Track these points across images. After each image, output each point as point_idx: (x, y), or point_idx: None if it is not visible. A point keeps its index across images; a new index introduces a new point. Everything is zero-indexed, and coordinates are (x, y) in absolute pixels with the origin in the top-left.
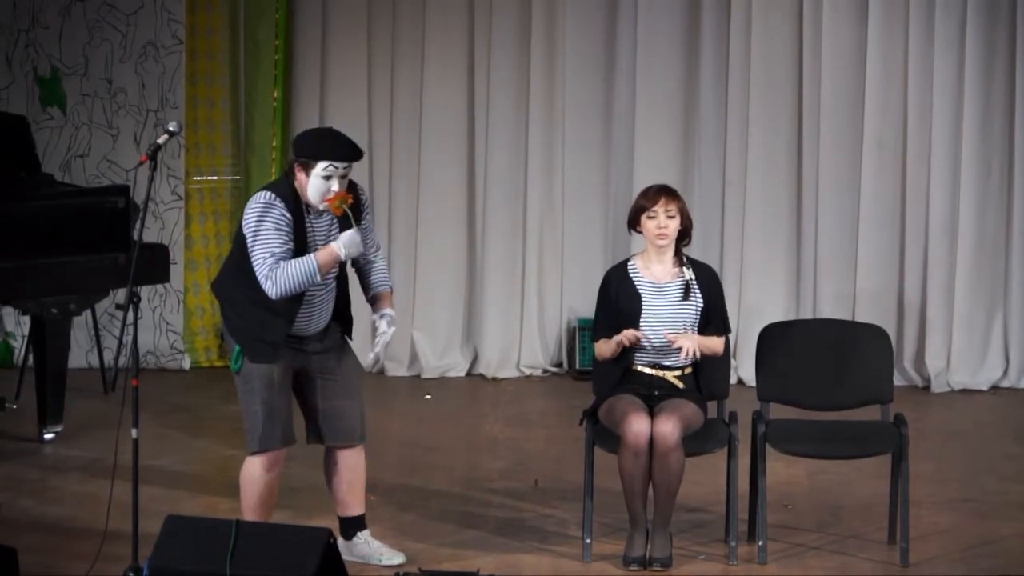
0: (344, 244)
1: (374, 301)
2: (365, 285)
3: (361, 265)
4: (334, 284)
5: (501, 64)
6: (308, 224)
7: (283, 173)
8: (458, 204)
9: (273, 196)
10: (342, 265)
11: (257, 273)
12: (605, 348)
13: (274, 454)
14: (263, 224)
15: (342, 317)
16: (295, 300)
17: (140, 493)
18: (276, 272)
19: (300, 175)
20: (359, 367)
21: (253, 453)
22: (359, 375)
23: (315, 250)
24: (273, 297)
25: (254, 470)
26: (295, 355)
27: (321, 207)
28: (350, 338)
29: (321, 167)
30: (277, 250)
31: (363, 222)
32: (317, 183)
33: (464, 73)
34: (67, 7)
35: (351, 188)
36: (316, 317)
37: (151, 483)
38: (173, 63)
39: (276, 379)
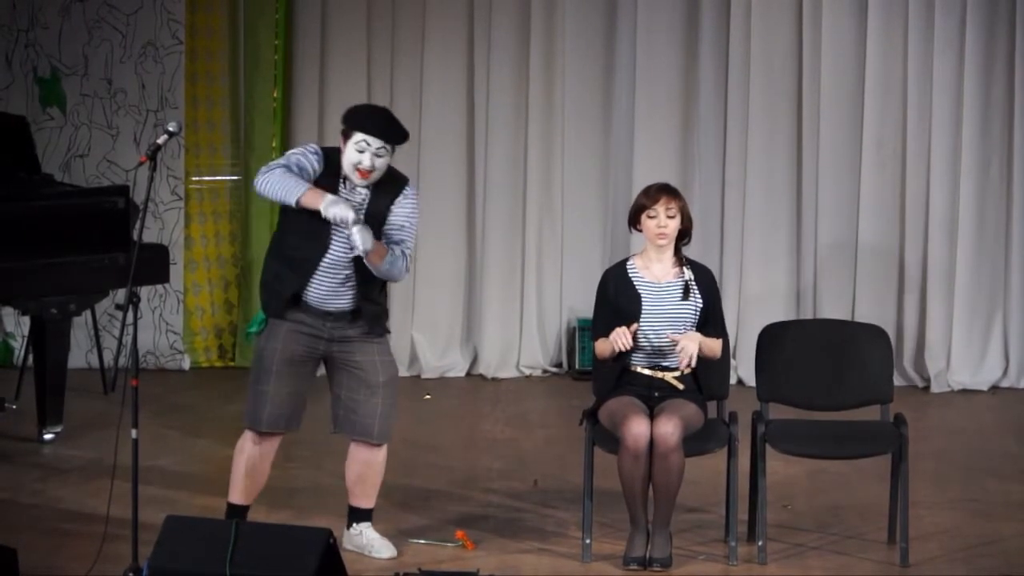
0: (332, 200)
1: None
2: None
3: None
4: (355, 275)
5: (501, 64)
6: (341, 194)
7: None
8: (458, 204)
9: (317, 147)
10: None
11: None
12: (604, 347)
13: (260, 434)
14: (292, 151)
15: (366, 314)
16: (307, 264)
17: (140, 493)
18: (276, 170)
19: (341, 144)
20: (390, 368)
21: (247, 427)
22: (388, 377)
23: (337, 231)
24: (254, 187)
25: (243, 442)
26: (312, 342)
27: None
28: (374, 335)
29: (356, 139)
30: (292, 161)
31: (392, 218)
32: (350, 153)
33: (464, 73)
34: (67, 7)
35: (396, 180)
36: (333, 296)
37: (151, 483)
38: (173, 63)
39: (274, 365)
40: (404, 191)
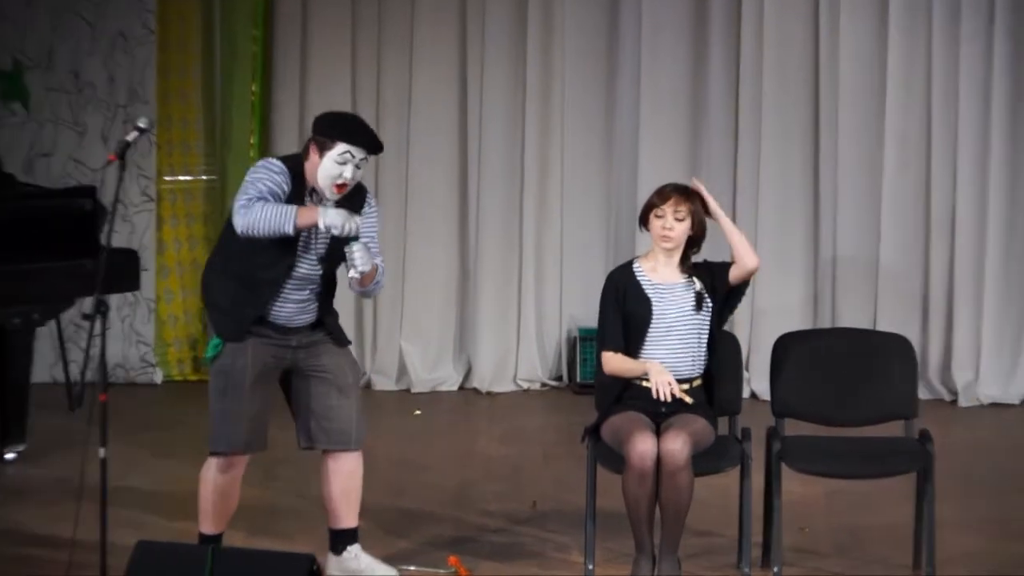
0: (329, 214)
1: None
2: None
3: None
4: (320, 288)
5: (495, 59)
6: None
7: (299, 152)
8: (449, 206)
9: (278, 162)
10: (329, 270)
11: (236, 203)
12: (622, 365)
13: (228, 458)
14: (256, 174)
15: (328, 326)
16: (272, 286)
17: (108, 516)
18: (255, 204)
19: (314, 155)
20: (356, 369)
21: (210, 453)
22: (356, 378)
23: (309, 240)
24: (238, 229)
25: (208, 471)
26: (279, 351)
27: None
28: (338, 343)
29: (339, 150)
30: (264, 189)
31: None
32: (330, 166)
33: (456, 68)
34: None
35: (359, 191)
36: (295, 314)
37: (120, 505)
38: (144, 55)
39: (246, 381)
40: (368, 201)
